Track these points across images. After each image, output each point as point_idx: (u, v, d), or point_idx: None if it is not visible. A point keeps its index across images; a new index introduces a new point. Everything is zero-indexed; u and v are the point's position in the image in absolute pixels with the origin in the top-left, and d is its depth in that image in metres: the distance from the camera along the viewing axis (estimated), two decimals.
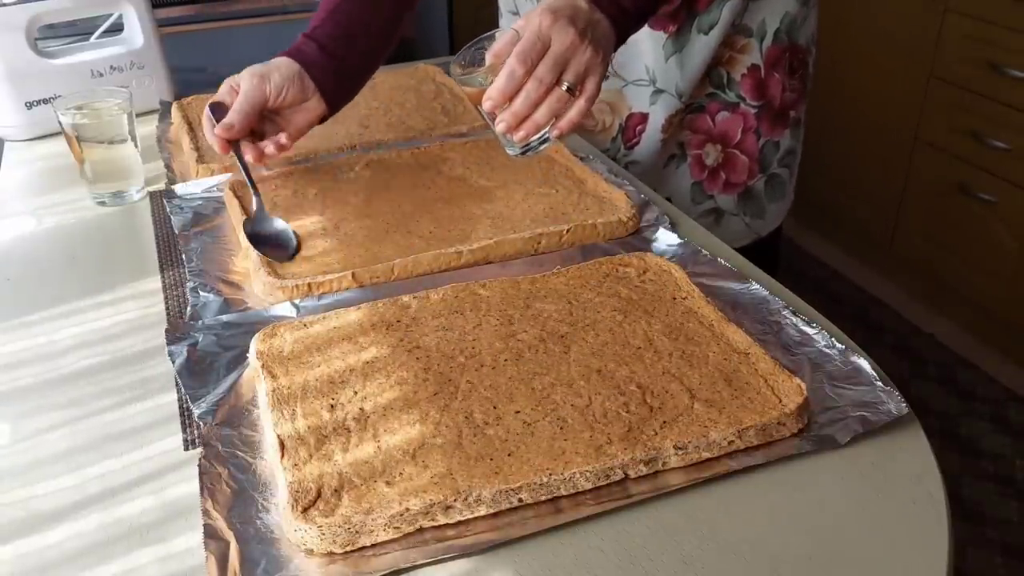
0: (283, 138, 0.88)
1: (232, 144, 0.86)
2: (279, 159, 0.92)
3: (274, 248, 0.80)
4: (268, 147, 0.87)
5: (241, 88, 0.87)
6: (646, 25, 1.03)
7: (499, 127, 0.75)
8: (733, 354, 0.64)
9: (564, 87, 0.73)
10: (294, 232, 0.82)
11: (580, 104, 0.75)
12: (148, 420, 0.63)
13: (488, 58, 0.76)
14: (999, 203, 1.97)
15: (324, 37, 0.90)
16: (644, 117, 1.07)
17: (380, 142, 1.04)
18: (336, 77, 0.91)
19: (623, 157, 1.09)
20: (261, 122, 0.89)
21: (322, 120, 0.93)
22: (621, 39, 0.81)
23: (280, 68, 0.88)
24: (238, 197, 0.88)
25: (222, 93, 0.89)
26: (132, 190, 0.97)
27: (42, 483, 0.58)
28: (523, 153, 0.78)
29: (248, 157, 0.87)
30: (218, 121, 0.86)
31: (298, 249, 0.81)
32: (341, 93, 0.93)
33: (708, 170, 1.09)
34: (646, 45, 1.04)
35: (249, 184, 0.85)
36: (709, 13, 1.00)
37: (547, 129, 0.76)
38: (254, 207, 0.84)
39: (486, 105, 0.74)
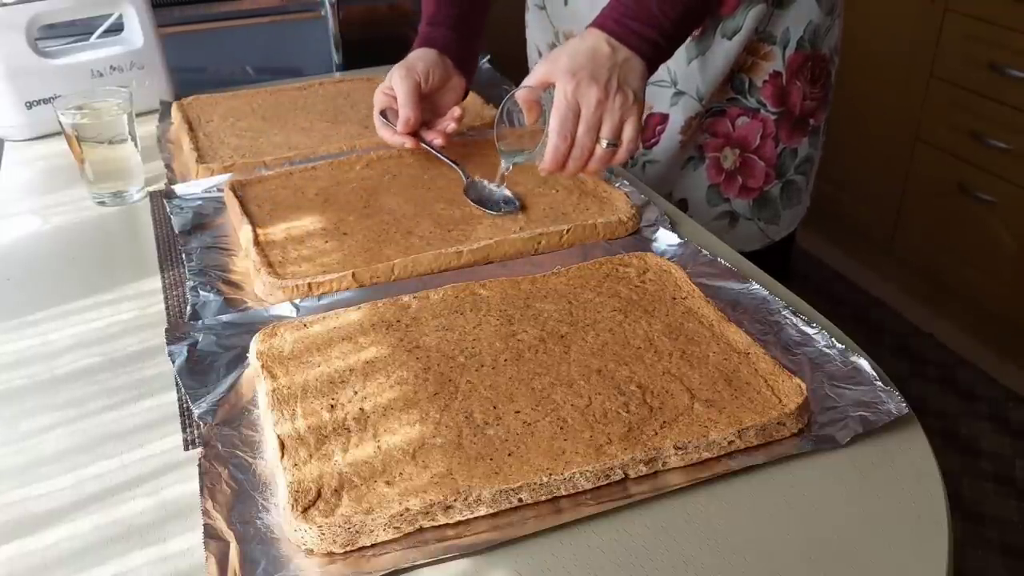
0: (456, 111, 0.97)
1: (416, 136, 0.95)
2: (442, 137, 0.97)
3: (495, 205, 0.88)
4: (449, 126, 0.96)
5: (396, 87, 0.94)
6: None
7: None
8: (733, 354, 0.64)
9: (604, 144, 0.79)
10: (514, 194, 0.89)
11: (622, 151, 0.81)
12: (148, 420, 0.63)
13: (527, 121, 0.85)
14: (999, 203, 1.97)
15: (446, 19, 0.99)
16: (664, 118, 1.07)
17: (380, 142, 1.04)
18: (466, 50, 1.00)
19: (641, 156, 1.09)
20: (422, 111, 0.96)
21: (465, 95, 1.01)
22: (654, 66, 0.84)
23: (422, 57, 0.96)
24: (238, 197, 0.88)
25: (379, 102, 0.97)
26: (132, 190, 0.97)
27: (41, 483, 0.57)
28: None
29: (437, 141, 0.95)
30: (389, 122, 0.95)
31: (523, 207, 0.88)
32: (471, 62, 1.02)
33: (725, 173, 1.09)
34: None
35: (450, 163, 0.93)
36: (734, 19, 1.00)
37: None
38: (465, 179, 0.91)
39: (543, 174, 0.82)
